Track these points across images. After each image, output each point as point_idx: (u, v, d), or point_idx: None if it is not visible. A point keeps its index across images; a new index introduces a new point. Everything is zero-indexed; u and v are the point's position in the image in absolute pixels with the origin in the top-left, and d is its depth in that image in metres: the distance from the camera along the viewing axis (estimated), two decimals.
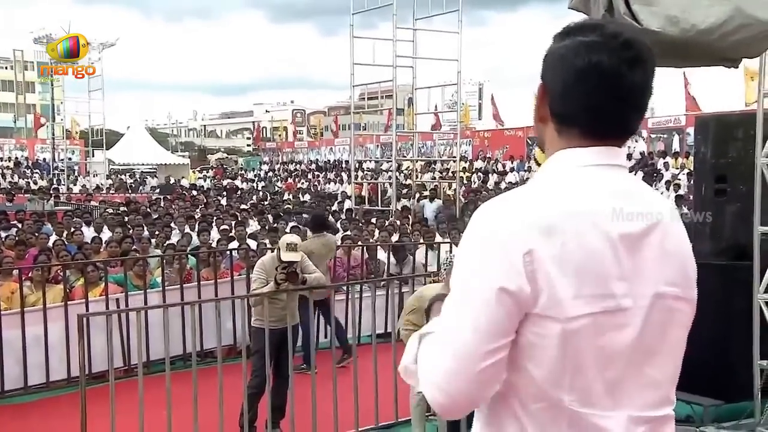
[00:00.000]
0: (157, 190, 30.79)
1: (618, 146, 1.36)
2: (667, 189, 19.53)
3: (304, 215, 9.29)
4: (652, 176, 22.59)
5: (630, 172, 1.42)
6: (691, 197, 10.77)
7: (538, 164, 2.20)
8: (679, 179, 20.37)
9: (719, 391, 5.28)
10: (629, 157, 23.94)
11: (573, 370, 1.25)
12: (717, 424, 5.01)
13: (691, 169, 14.44)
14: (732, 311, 5.35)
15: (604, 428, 1.28)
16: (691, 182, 13.52)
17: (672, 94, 26.36)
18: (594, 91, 1.31)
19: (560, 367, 1.25)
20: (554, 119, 1.37)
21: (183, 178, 35.98)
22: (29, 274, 7.97)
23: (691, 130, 20.70)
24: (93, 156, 39.70)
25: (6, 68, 58.10)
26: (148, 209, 17.63)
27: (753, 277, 4.99)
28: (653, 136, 29.99)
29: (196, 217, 14.55)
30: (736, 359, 5.19)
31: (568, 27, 1.38)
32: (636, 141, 29.28)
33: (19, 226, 13.33)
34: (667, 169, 23.17)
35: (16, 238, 10.55)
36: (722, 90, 25.01)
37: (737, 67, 4.44)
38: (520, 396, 1.29)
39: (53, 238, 11.22)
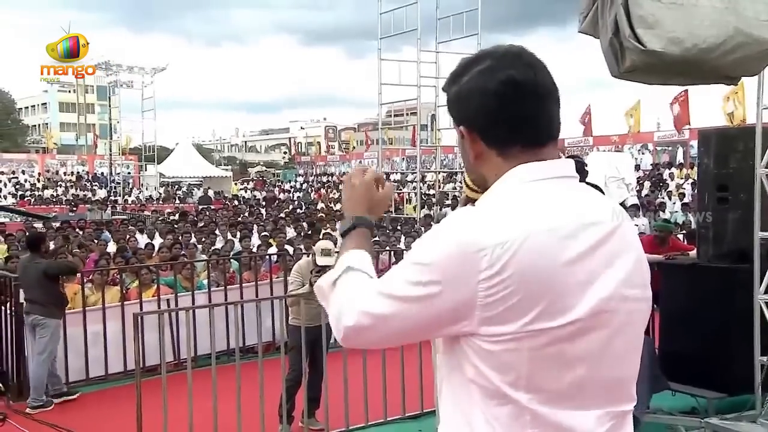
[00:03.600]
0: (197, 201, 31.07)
1: (556, 151, 1.30)
2: (670, 198, 19.29)
3: None
4: (658, 185, 22.33)
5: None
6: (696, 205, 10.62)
7: (469, 188, 2.10)
8: (684, 188, 20.11)
9: (722, 385, 5.20)
10: (637, 168, 23.67)
11: (528, 374, 1.19)
12: (720, 416, 4.92)
13: (695, 179, 14.23)
14: (734, 311, 5.27)
15: (569, 426, 1.21)
16: (695, 191, 13.31)
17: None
18: (518, 101, 1.25)
19: (514, 372, 1.19)
20: (494, 148, 1.29)
21: (208, 188, 36.26)
22: (90, 277, 8.10)
23: (694, 143, 20.39)
24: (146, 170, 40.31)
25: (69, 92, 59.21)
26: (195, 218, 17.82)
27: (753, 278, 4.93)
28: (659, 148, 29.68)
29: (238, 224, 14.67)
30: (738, 355, 5.10)
31: (456, 70, 1.32)
32: (643, 153, 29.00)
33: (81, 233, 13.59)
34: (672, 179, 22.90)
35: (78, 244, 10.75)
36: (701, 106, 24.78)
37: (737, 84, 4.38)
38: (483, 394, 1.22)
39: (112, 245, 11.40)
